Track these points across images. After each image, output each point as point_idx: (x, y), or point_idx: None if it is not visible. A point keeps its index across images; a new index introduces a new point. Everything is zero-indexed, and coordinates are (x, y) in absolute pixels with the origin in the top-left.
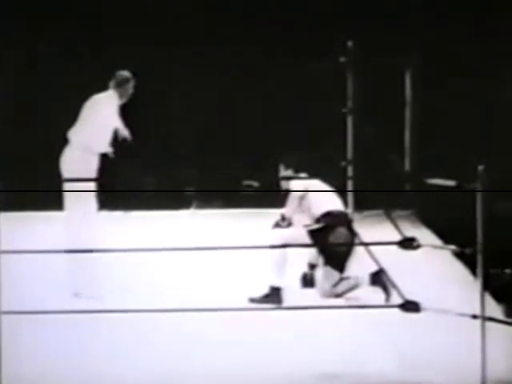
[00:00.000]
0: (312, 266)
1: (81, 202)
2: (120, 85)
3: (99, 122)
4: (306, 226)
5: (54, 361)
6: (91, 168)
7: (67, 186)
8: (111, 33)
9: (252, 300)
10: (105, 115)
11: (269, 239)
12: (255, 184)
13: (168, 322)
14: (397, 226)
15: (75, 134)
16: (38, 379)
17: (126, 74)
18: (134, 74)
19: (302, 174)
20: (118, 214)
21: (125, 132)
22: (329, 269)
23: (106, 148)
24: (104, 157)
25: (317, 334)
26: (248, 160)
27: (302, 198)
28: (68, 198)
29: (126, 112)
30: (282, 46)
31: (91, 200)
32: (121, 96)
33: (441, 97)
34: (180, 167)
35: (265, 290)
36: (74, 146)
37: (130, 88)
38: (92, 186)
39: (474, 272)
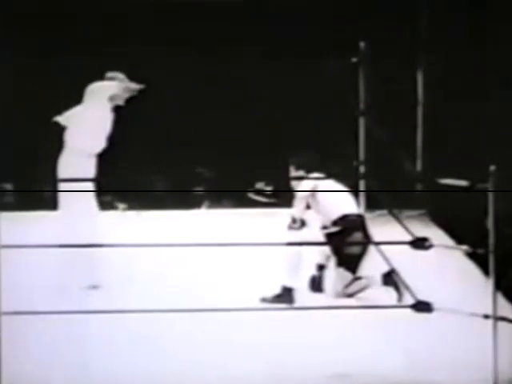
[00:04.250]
0: (321, 267)
1: (81, 203)
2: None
3: (91, 122)
4: (323, 228)
5: (54, 361)
6: (89, 170)
7: (67, 186)
8: (114, 31)
9: (264, 300)
10: (96, 116)
11: (285, 241)
12: (267, 187)
13: (177, 322)
14: (408, 226)
15: (70, 136)
16: (37, 379)
17: (114, 74)
18: (130, 76)
19: (315, 174)
20: (129, 214)
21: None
22: (341, 270)
23: (101, 148)
24: (102, 157)
25: (328, 334)
26: (259, 160)
27: (310, 198)
28: (68, 198)
29: (137, 111)
30: (295, 46)
31: (91, 200)
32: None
33: (453, 97)
34: (191, 167)
35: (276, 290)
36: (69, 150)
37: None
38: (91, 186)
39: (486, 272)
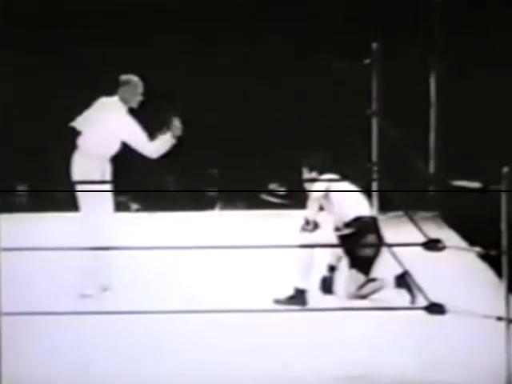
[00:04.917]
0: (332, 268)
1: (96, 204)
2: (123, 88)
3: (106, 127)
4: (337, 230)
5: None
6: (104, 173)
7: (82, 188)
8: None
9: (277, 301)
10: (111, 120)
11: (297, 243)
12: (280, 188)
13: (188, 323)
14: (421, 228)
15: (84, 140)
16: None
17: (128, 77)
18: (143, 78)
19: (328, 175)
20: (142, 215)
21: (139, 136)
22: (354, 272)
23: (115, 151)
24: (115, 157)
25: (341, 336)
26: (272, 161)
27: (323, 200)
28: (83, 199)
29: (149, 113)
30: (307, 48)
31: (107, 202)
32: (126, 100)
33: (466, 98)
34: (204, 168)
35: (290, 292)
36: (83, 152)
37: (135, 92)
38: (108, 188)
39: (499, 274)
